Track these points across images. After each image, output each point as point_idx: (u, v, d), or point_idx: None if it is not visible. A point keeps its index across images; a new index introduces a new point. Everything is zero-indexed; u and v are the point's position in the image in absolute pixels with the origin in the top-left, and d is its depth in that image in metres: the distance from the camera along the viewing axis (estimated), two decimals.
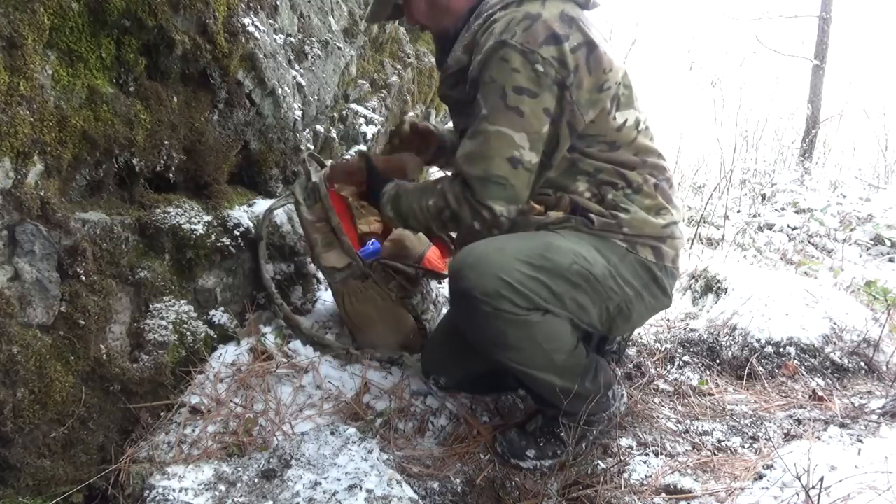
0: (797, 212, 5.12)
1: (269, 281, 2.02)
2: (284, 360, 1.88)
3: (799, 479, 1.34)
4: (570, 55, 1.45)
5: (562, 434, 1.65)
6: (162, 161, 1.71)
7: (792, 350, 2.30)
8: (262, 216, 2.00)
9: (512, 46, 1.42)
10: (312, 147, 2.42)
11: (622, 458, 1.67)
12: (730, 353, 2.32)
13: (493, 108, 1.46)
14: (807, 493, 1.30)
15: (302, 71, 2.32)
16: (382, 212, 1.77)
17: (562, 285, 1.48)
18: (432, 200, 1.61)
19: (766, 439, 1.79)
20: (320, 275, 2.25)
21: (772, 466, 1.54)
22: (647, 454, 1.71)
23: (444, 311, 2.18)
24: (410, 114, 2.53)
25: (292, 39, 2.29)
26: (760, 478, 1.53)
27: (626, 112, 1.58)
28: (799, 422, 1.88)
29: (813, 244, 4.33)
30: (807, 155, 7.32)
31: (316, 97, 2.43)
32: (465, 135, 1.55)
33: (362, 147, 2.77)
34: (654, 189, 1.61)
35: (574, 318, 1.53)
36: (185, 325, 1.74)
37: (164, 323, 1.68)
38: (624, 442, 1.75)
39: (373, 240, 2.02)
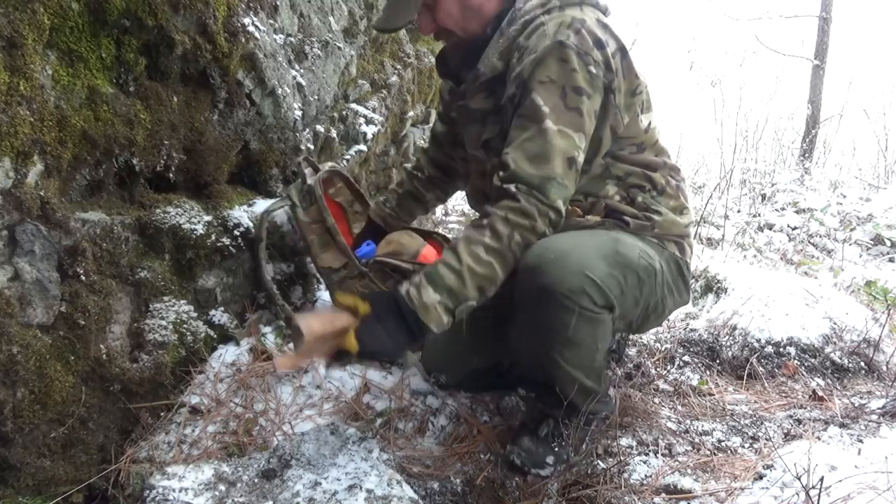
0: (797, 212, 5.13)
1: (270, 282, 2.02)
2: None
3: (799, 479, 1.34)
4: (612, 59, 1.48)
5: (567, 434, 1.65)
6: (162, 161, 1.71)
7: (792, 350, 2.30)
8: (259, 219, 2.01)
9: (570, 47, 1.43)
10: (312, 147, 2.42)
11: (622, 458, 1.67)
12: (730, 353, 2.32)
13: (554, 107, 1.43)
14: (807, 493, 1.30)
15: (302, 71, 2.32)
16: (428, 322, 1.36)
17: (630, 280, 1.50)
18: (487, 238, 1.40)
19: (766, 439, 1.79)
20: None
21: (772, 466, 1.54)
22: (647, 454, 1.71)
23: None
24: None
25: (292, 39, 2.29)
26: (760, 478, 1.53)
27: (649, 114, 1.64)
28: (799, 422, 1.88)
29: (813, 244, 4.34)
30: (807, 155, 7.33)
31: (316, 97, 2.43)
32: (514, 137, 1.46)
33: (362, 147, 2.77)
34: (675, 190, 1.68)
35: (622, 314, 1.53)
36: (185, 325, 1.74)
37: (164, 323, 1.68)
38: (624, 442, 1.75)
39: (368, 240, 2.03)
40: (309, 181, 1.98)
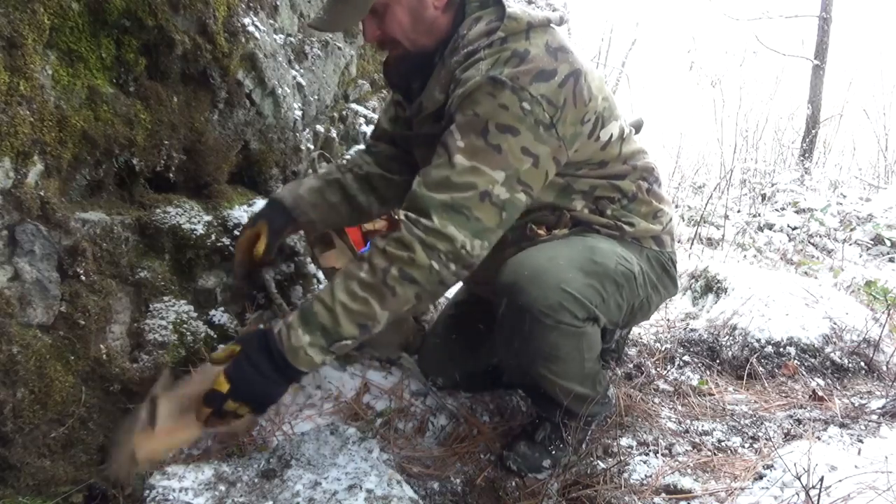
0: (797, 212, 5.13)
1: (270, 281, 2.02)
2: None
3: (799, 479, 1.34)
4: (558, 91, 1.37)
5: (569, 437, 1.65)
6: (162, 161, 1.71)
7: (792, 350, 2.30)
8: None
9: (502, 83, 1.34)
10: (312, 147, 2.42)
11: (622, 458, 1.67)
12: (730, 353, 2.32)
13: (470, 143, 1.34)
14: (807, 493, 1.30)
15: (302, 71, 2.32)
16: (298, 365, 1.31)
17: (609, 287, 1.47)
18: (364, 272, 1.31)
19: (766, 439, 1.79)
20: (321, 275, 2.25)
21: (772, 466, 1.54)
22: (647, 454, 1.71)
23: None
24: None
25: (292, 39, 2.29)
26: (760, 478, 1.53)
27: (610, 126, 1.53)
28: (799, 422, 1.88)
29: (813, 244, 4.34)
30: (807, 155, 7.33)
31: (316, 97, 2.43)
32: (427, 166, 1.40)
33: (362, 147, 2.76)
34: (647, 195, 1.62)
35: (607, 319, 1.52)
36: (185, 325, 1.74)
37: (164, 323, 1.68)
38: (624, 442, 1.75)
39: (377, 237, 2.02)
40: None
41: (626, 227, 1.58)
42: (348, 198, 1.76)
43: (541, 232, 1.55)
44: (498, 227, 1.37)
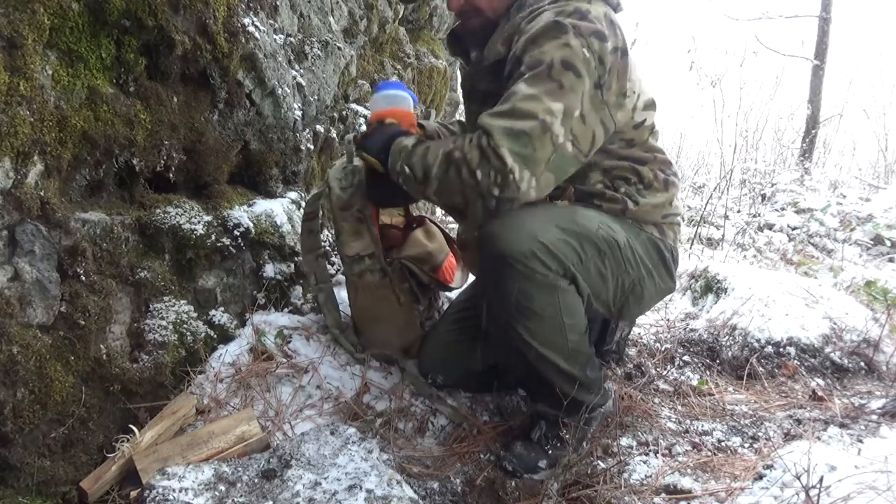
0: (797, 212, 5.13)
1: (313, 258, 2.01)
2: (284, 361, 1.88)
3: (799, 479, 1.34)
4: (609, 55, 1.45)
5: (567, 436, 1.64)
6: (162, 161, 1.71)
7: (792, 350, 2.30)
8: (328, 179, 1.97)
9: (565, 26, 1.42)
10: (312, 147, 2.41)
11: (622, 458, 1.66)
12: (730, 353, 2.32)
13: (535, 74, 1.41)
14: (807, 493, 1.30)
15: (302, 71, 2.32)
16: (392, 165, 1.57)
17: (589, 250, 1.51)
18: (448, 147, 1.46)
19: (766, 439, 1.79)
20: (316, 277, 2.23)
21: (772, 466, 1.54)
22: (647, 454, 1.71)
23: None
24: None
25: (292, 39, 2.29)
26: (760, 478, 1.53)
27: (647, 113, 1.63)
28: (799, 422, 1.88)
29: (813, 244, 4.34)
30: (807, 155, 7.33)
31: (316, 97, 2.43)
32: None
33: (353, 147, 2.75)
34: (663, 185, 1.69)
35: (592, 291, 1.55)
36: (185, 325, 1.74)
37: (164, 323, 1.68)
38: (624, 442, 1.75)
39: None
40: (356, 161, 1.92)
41: (630, 204, 1.62)
42: None
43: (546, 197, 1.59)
44: (546, 165, 1.41)
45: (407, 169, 1.52)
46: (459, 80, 1.98)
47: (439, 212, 4.19)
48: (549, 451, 1.64)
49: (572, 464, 1.61)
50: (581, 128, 1.44)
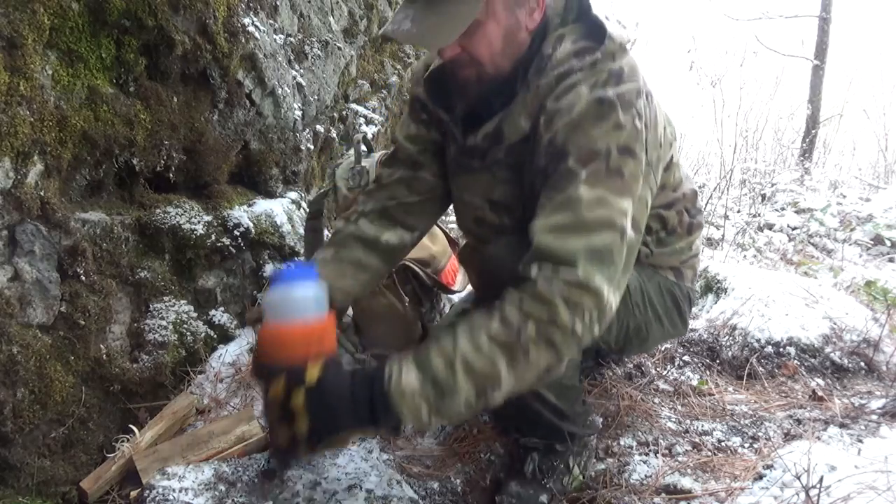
0: (797, 212, 5.13)
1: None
2: None
3: (799, 479, 1.34)
4: (644, 109, 1.26)
5: (560, 464, 1.56)
6: (162, 161, 1.71)
7: (792, 350, 2.29)
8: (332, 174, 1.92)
9: (611, 102, 1.21)
10: (312, 147, 2.42)
11: (622, 458, 1.66)
12: (730, 353, 2.32)
13: (594, 172, 1.18)
14: (807, 493, 1.30)
15: (302, 71, 2.32)
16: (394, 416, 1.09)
17: None
18: (495, 324, 1.12)
19: (766, 439, 1.79)
20: None
21: (772, 466, 1.54)
22: (647, 454, 1.71)
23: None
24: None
25: (292, 39, 2.29)
26: (760, 478, 1.53)
27: (672, 149, 1.45)
28: (799, 422, 1.88)
29: (813, 244, 4.34)
30: (807, 155, 7.33)
31: (316, 97, 2.43)
32: (542, 211, 1.21)
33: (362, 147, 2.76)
34: (686, 229, 1.58)
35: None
36: (185, 325, 1.74)
37: (164, 323, 1.68)
38: (624, 442, 1.75)
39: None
40: (364, 163, 1.90)
41: (645, 252, 1.51)
42: (370, 244, 1.49)
43: None
44: (624, 274, 1.20)
45: (450, 411, 1.11)
46: (407, 127, 1.53)
47: None
48: (547, 485, 1.54)
49: (570, 491, 1.55)
50: (639, 209, 1.25)
